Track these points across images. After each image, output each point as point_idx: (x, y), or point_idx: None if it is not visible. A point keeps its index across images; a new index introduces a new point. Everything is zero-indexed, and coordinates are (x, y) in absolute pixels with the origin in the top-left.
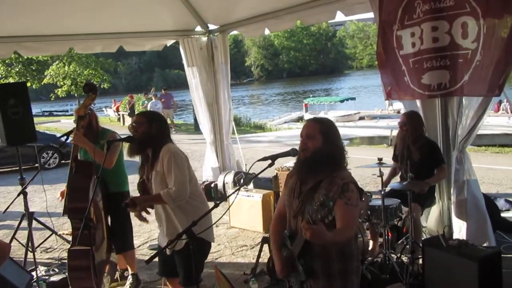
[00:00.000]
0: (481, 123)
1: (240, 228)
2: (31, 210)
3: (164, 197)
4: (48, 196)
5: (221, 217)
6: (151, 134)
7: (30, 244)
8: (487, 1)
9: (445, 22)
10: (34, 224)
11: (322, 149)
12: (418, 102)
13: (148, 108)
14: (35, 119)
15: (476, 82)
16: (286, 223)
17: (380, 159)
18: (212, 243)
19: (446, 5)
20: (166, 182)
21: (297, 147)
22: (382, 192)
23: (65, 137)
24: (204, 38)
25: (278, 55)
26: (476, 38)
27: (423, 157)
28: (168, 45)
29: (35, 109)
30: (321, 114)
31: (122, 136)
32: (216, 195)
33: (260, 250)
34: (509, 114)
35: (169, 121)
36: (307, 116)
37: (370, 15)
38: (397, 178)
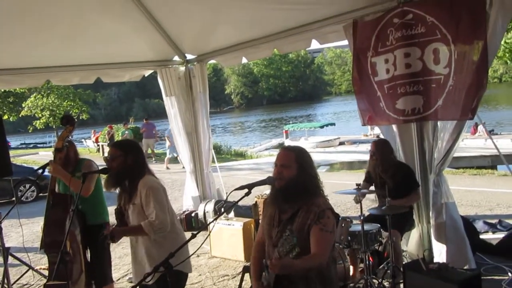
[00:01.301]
0: (457, 146)
1: (221, 258)
2: (7, 245)
3: (145, 228)
4: (25, 230)
5: (200, 246)
6: (128, 166)
7: (6, 281)
8: (456, 27)
9: (417, 49)
10: (10, 260)
11: (296, 177)
12: (394, 127)
13: (165, 134)
14: (14, 152)
15: (450, 106)
16: (264, 251)
17: (358, 185)
18: (192, 274)
19: (417, 32)
20: (143, 215)
21: (268, 175)
22: (361, 218)
23: (41, 170)
24: (182, 68)
25: (258, 82)
26: (448, 63)
27: (397, 184)
28: (146, 75)
29: (15, 141)
30: (302, 140)
31: (100, 166)
32: (197, 224)
33: (242, 280)
34: (485, 136)
35: (149, 151)
36: (288, 142)
37: (346, 42)
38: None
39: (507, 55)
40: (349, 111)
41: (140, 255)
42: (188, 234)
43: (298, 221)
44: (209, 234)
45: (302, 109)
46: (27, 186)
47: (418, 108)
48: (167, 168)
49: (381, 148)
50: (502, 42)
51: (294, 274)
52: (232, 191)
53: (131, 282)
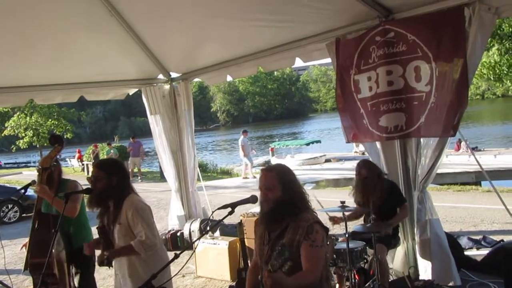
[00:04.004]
0: (440, 163)
1: (207, 277)
2: None
3: (136, 248)
4: (7, 252)
5: (183, 266)
6: (112, 187)
7: None
8: (437, 46)
9: (399, 66)
10: None
11: (282, 197)
12: (378, 144)
13: (240, 144)
14: (4, 171)
15: (432, 123)
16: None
17: (342, 202)
18: None
19: (399, 50)
20: (130, 235)
21: (255, 193)
22: (347, 235)
23: (23, 190)
24: (167, 86)
25: (244, 100)
26: (429, 81)
27: (385, 201)
28: (131, 94)
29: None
30: (288, 158)
31: (85, 186)
32: (182, 243)
33: None
34: (469, 152)
35: (136, 169)
36: (274, 160)
37: (330, 59)
38: (360, 220)
39: (491, 72)
40: (334, 128)
41: (124, 274)
42: (173, 254)
43: (288, 237)
44: (193, 253)
45: (288, 126)
46: (10, 206)
47: (400, 125)
48: (246, 178)
49: (371, 170)
50: (486, 60)
51: None
52: (215, 210)
53: None
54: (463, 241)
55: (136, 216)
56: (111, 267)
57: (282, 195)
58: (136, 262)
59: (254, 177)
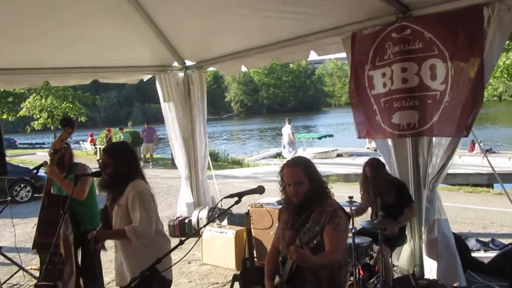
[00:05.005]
0: (451, 163)
1: (212, 265)
2: None
3: (128, 234)
4: (18, 230)
5: (188, 252)
6: (119, 172)
7: None
8: (454, 44)
9: (414, 64)
10: (1, 259)
11: (310, 190)
12: (389, 141)
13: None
14: (13, 152)
15: (445, 122)
16: (279, 254)
17: (351, 197)
18: (183, 280)
19: (415, 47)
20: (127, 217)
21: (264, 184)
22: (353, 231)
23: (35, 170)
24: (181, 74)
25: (258, 91)
26: (444, 79)
27: (393, 202)
28: (145, 80)
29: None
30: (299, 151)
31: (94, 170)
32: (190, 231)
33: None
34: (482, 154)
35: (148, 155)
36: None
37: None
38: (366, 216)
39: (505, 75)
40: (348, 123)
41: (120, 258)
42: (179, 241)
43: (312, 219)
44: (198, 239)
45: (301, 119)
46: (22, 186)
47: (413, 123)
48: None
49: (374, 169)
50: (501, 63)
51: (305, 276)
52: (222, 199)
53: None
54: (471, 243)
55: (135, 200)
56: (101, 248)
57: (310, 188)
58: (134, 248)
59: None
